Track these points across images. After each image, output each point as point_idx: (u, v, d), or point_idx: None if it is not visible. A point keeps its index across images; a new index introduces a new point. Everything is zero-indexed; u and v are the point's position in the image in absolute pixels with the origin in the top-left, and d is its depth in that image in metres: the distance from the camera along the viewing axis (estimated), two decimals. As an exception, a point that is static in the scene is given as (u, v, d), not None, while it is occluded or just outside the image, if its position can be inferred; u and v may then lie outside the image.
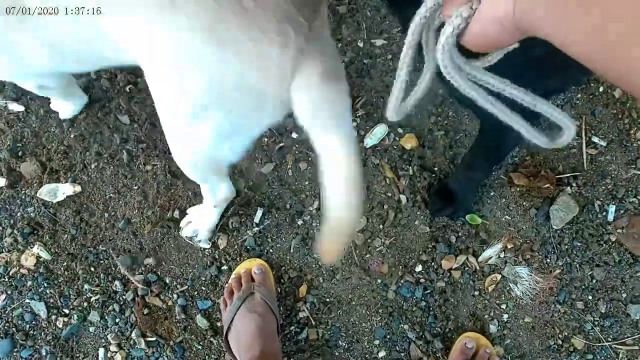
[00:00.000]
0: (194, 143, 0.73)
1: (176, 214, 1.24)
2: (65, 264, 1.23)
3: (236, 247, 1.22)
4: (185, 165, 0.82)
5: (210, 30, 0.54)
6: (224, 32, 0.54)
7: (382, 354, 1.18)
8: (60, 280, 1.22)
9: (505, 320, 1.20)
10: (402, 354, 1.18)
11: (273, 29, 0.55)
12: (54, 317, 1.20)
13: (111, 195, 1.26)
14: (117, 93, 1.31)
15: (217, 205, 1.12)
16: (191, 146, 0.75)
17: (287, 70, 0.58)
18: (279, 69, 0.58)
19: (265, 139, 1.26)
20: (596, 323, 1.20)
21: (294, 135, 1.25)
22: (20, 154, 1.29)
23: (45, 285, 1.22)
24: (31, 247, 1.24)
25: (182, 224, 1.22)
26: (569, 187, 1.23)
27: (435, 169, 1.24)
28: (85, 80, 1.31)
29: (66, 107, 1.28)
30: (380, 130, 1.24)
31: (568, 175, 1.24)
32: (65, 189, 1.28)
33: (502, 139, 0.90)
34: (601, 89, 1.27)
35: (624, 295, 1.21)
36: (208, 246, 1.21)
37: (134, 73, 1.32)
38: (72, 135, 1.30)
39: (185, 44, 0.56)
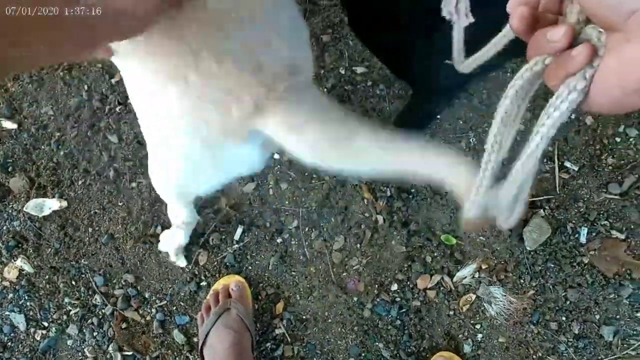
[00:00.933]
0: (164, 169, 0.76)
1: (158, 230, 1.27)
2: (47, 277, 1.25)
3: (216, 263, 1.24)
4: (154, 181, 0.85)
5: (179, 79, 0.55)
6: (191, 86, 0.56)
7: (357, 372, 1.18)
8: (41, 294, 1.24)
9: (479, 340, 1.21)
10: (377, 373, 1.19)
11: (232, 89, 0.56)
12: (32, 329, 1.21)
13: (96, 210, 1.29)
14: (107, 113, 1.36)
15: (179, 227, 1.12)
16: (162, 170, 0.77)
17: (242, 126, 0.58)
18: (233, 125, 0.58)
19: (248, 159, 1.30)
20: (570, 344, 1.21)
21: (276, 156, 1.30)
22: (10, 169, 1.32)
23: (26, 298, 1.23)
24: (15, 260, 1.26)
25: (160, 247, 1.23)
26: (542, 210, 1.26)
27: (413, 190, 1.28)
28: (77, 101, 1.37)
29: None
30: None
31: (541, 198, 1.27)
32: (51, 204, 1.31)
33: (433, 105, 1.02)
34: (573, 116, 1.32)
35: (597, 316, 1.23)
36: (183, 264, 1.23)
37: (125, 94, 1.37)
38: (61, 153, 1.34)
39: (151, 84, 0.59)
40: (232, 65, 0.54)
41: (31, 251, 1.27)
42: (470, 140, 1.30)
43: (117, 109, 1.36)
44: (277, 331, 1.21)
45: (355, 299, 1.22)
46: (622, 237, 1.26)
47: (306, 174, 1.29)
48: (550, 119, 0.34)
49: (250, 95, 0.56)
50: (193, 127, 0.60)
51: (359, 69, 1.36)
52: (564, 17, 0.34)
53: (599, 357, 1.21)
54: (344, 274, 1.23)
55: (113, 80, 1.38)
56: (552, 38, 0.33)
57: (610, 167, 1.29)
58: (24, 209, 1.29)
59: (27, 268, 1.26)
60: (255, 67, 0.56)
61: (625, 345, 1.22)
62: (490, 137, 0.40)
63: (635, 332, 1.22)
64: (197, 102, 0.56)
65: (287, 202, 1.28)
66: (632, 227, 1.26)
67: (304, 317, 1.21)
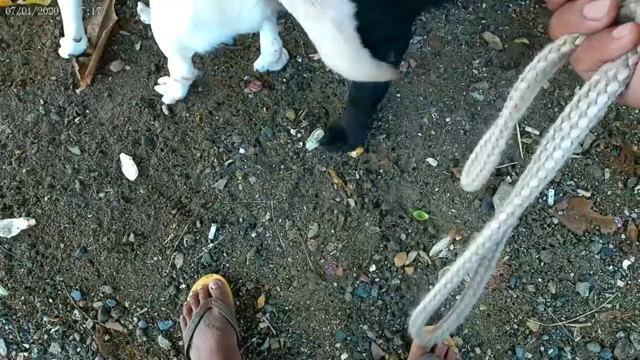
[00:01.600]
0: (172, 26, 0.90)
1: (131, 237, 1.25)
2: (22, 298, 1.23)
3: (192, 264, 1.24)
4: (161, 40, 1.00)
5: None
6: None
7: (344, 356, 1.19)
8: (18, 315, 1.22)
9: (460, 310, 1.23)
10: (364, 354, 1.20)
11: None
12: (14, 352, 1.19)
13: (66, 225, 1.27)
14: (66, 125, 1.33)
15: (177, 80, 1.22)
16: (170, 27, 0.92)
17: None
18: None
19: (214, 159, 1.29)
20: (548, 304, 1.24)
21: (242, 150, 1.29)
22: (-28, 193, 1.29)
23: (4, 321, 1.21)
24: (-13, 285, 1.24)
25: (156, 87, 1.32)
26: (508, 177, 1.29)
27: (381, 171, 1.29)
28: (34, 116, 1.34)
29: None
30: (319, 134, 1.29)
31: (506, 165, 1.29)
32: (19, 224, 1.28)
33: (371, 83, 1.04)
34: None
35: (572, 274, 1.26)
36: (169, 103, 1.31)
37: (83, 105, 1.35)
38: (24, 171, 1.31)
39: None
40: None
41: (3, 274, 1.24)
42: (432, 115, 1.31)
43: (76, 120, 1.34)
44: (261, 325, 1.21)
45: (335, 284, 1.23)
46: (588, 194, 1.29)
47: (274, 165, 1.29)
48: (583, 118, 0.28)
49: None
50: None
51: (316, 56, 1.36)
52: None
53: (578, 314, 1.24)
54: (322, 260, 1.24)
55: (69, 92, 1.36)
56: (590, 14, 0.27)
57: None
58: (-9, 231, 1.27)
59: (1, 291, 1.23)
60: None
61: (601, 299, 1.25)
62: (500, 121, 0.35)
63: (609, 286, 1.26)
64: None
65: (257, 196, 1.27)
66: (597, 184, 1.30)
67: (287, 308, 1.22)
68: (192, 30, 0.87)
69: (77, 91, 1.36)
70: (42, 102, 1.35)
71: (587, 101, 0.27)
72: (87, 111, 1.35)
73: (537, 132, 1.31)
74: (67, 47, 1.34)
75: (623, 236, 1.28)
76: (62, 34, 1.39)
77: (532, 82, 0.32)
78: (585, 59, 0.28)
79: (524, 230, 1.27)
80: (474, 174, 0.40)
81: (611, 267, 1.26)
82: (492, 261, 0.41)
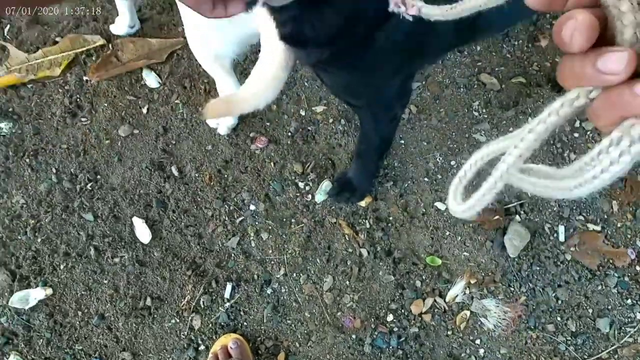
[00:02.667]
0: (193, 31, 1.08)
1: (148, 301, 1.26)
2: (42, 370, 1.23)
3: (210, 325, 1.24)
4: (196, 52, 1.14)
5: None
6: None
7: (368, 409, 1.18)
8: (39, 388, 1.22)
9: (482, 355, 1.22)
10: (388, 407, 1.19)
11: None
12: None
13: (82, 292, 1.28)
14: (79, 192, 1.36)
15: None
16: (192, 33, 1.09)
17: None
18: None
19: (225, 217, 1.31)
20: (569, 343, 1.23)
21: (252, 207, 1.31)
22: (-11, 266, 1.31)
23: (24, 395, 1.21)
24: (7, 358, 1.24)
25: (208, 121, 1.38)
26: (517, 216, 1.29)
27: (391, 218, 1.30)
28: (47, 185, 1.37)
29: None
30: (327, 185, 1.30)
31: (514, 204, 1.30)
32: (36, 294, 1.29)
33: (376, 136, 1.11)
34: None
35: (590, 310, 1.25)
36: (225, 133, 1.36)
37: (94, 171, 1.38)
38: (39, 240, 1.33)
39: None
40: None
41: (23, 345, 1.25)
42: (437, 159, 1.33)
43: (88, 187, 1.36)
44: (282, 382, 1.20)
45: (353, 336, 1.22)
46: (598, 228, 1.29)
47: (284, 220, 1.30)
48: (602, 175, 0.26)
49: None
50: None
51: (319, 108, 1.39)
52: (611, 17, 0.24)
53: (600, 350, 1.23)
54: (339, 313, 1.24)
55: (80, 158, 1.39)
56: (607, 68, 0.24)
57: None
58: (9, 304, 1.28)
59: (21, 363, 1.23)
60: None
61: (622, 334, 1.24)
62: (502, 166, 0.32)
63: (629, 319, 1.25)
64: None
65: (270, 251, 1.29)
66: (606, 217, 1.30)
67: (307, 363, 1.21)
68: (209, 31, 1.01)
69: (85, 78, 1.43)
70: (54, 170, 1.38)
71: (608, 158, 0.25)
72: (99, 177, 1.37)
73: (542, 169, 1.32)
74: (122, 28, 1.47)
75: (638, 268, 1.28)
76: (70, 103, 1.43)
77: (541, 134, 0.30)
78: (604, 115, 0.25)
79: (537, 268, 1.27)
80: (469, 202, 0.36)
81: (629, 301, 1.26)
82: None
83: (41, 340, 1.25)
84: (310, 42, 0.71)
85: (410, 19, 0.46)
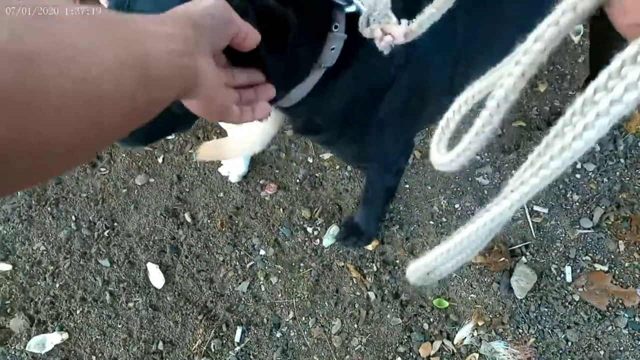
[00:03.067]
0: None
1: (160, 345, 1.29)
2: (56, 416, 1.25)
3: (221, 369, 1.26)
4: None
5: None
6: None
7: None
8: None
9: (492, 399, 1.21)
10: None
11: None
12: None
13: (97, 337, 1.32)
14: (96, 239, 1.42)
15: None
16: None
17: None
18: None
19: (236, 262, 1.35)
20: (582, 387, 1.22)
21: (262, 252, 1.35)
22: (9, 310, 1.36)
23: None
24: (23, 404, 1.27)
25: (220, 169, 1.43)
26: (523, 257, 1.31)
27: (397, 261, 1.32)
28: (67, 232, 1.43)
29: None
30: (335, 230, 1.34)
31: (520, 245, 1.32)
32: (53, 339, 1.33)
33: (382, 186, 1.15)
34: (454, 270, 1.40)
35: (602, 352, 1.24)
36: (236, 181, 1.42)
37: (111, 218, 1.44)
38: (57, 285, 1.38)
39: None
40: None
41: (38, 391, 1.27)
42: (442, 202, 1.37)
43: (106, 233, 1.42)
44: None
45: (362, 380, 1.23)
46: (605, 268, 1.30)
47: (293, 264, 1.34)
48: (631, 91, 0.20)
49: None
50: None
51: (326, 156, 1.45)
52: None
53: (614, 394, 1.21)
54: (347, 356, 1.25)
55: (98, 207, 1.45)
56: None
57: (577, 204, 1.35)
58: (27, 348, 1.31)
59: (36, 409, 1.26)
60: None
61: (636, 377, 1.22)
62: (500, 93, 0.29)
63: (642, 361, 1.23)
64: None
65: (279, 295, 1.31)
66: (612, 257, 1.31)
67: (316, 408, 1.22)
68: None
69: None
70: (73, 218, 1.45)
71: (636, 70, 0.19)
72: (116, 224, 1.43)
73: (546, 210, 1.35)
74: None
75: (648, 308, 1.27)
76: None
77: (538, 55, 0.26)
78: (635, 8, 0.21)
79: (546, 310, 1.27)
80: (454, 151, 0.33)
81: (641, 342, 1.24)
82: (500, 225, 0.34)
83: (56, 385, 1.28)
84: (321, 130, 0.77)
85: (403, 40, 0.51)
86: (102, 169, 1.50)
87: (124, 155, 1.51)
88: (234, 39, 0.42)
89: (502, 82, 0.28)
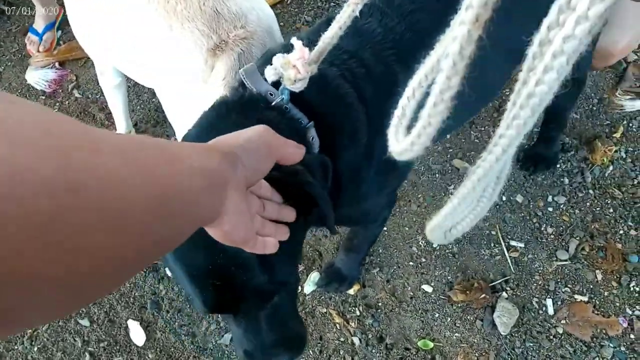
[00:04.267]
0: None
1: (142, 407, 1.25)
2: None
3: None
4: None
5: None
6: None
7: None
8: None
9: None
10: None
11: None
12: None
13: (77, 402, 1.27)
14: (76, 299, 1.40)
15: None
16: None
17: None
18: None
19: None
20: (574, 423, 1.20)
21: (244, 301, 1.34)
22: (-16, 380, 1.31)
23: None
24: None
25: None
26: (504, 292, 1.32)
27: (380, 304, 1.32)
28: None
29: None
30: (315, 276, 1.34)
31: (499, 280, 1.33)
32: (30, 407, 1.28)
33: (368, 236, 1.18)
34: (504, 198, 1.44)
35: (591, 386, 1.23)
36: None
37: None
38: (35, 349, 1.35)
39: None
40: None
41: None
42: (420, 243, 1.38)
43: (86, 293, 1.40)
44: None
45: None
46: (586, 299, 1.31)
47: (276, 312, 1.32)
48: (581, 24, 0.21)
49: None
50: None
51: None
52: None
53: None
54: (335, 406, 1.22)
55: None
56: None
57: (552, 236, 1.38)
58: (3, 419, 1.26)
59: None
60: None
61: (627, 409, 1.21)
62: (454, 47, 0.27)
63: (631, 392, 1.22)
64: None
65: (263, 346, 1.29)
66: (591, 287, 1.32)
67: None
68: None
69: None
70: (53, 278, 1.43)
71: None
72: (96, 282, 1.42)
73: (522, 245, 1.37)
74: None
75: (632, 336, 1.27)
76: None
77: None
78: None
79: (531, 345, 1.27)
80: (414, 131, 0.32)
81: (628, 372, 1.24)
82: (502, 175, 0.36)
83: None
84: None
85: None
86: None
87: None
88: (279, 160, 0.44)
89: (455, 34, 0.26)
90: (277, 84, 0.64)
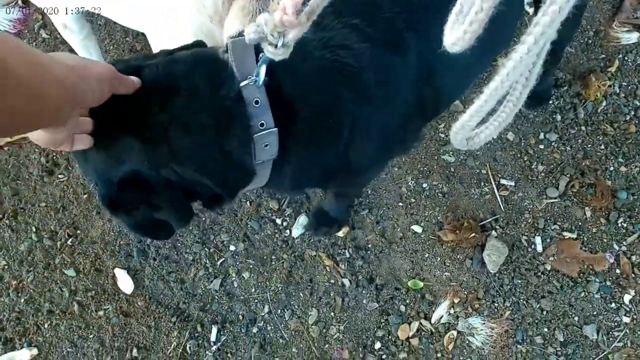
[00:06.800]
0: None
1: (135, 352, 1.25)
2: None
3: (198, 370, 1.23)
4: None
5: None
6: None
7: None
8: None
9: (473, 374, 1.21)
10: None
11: None
12: None
13: (68, 349, 1.27)
14: (59, 249, 1.36)
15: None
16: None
17: None
18: None
19: (206, 260, 1.32)
20: (559, 353, 1.23)
21: (232, 247, 1.32)
22: (-28, 332, 1.30)
23: None
24: None
25: None
26: (493, 231, 1.31)
27: (369, 245, 1.31)
28: (28, 244, 1.37)
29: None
30: (304, 220, 1.32)
31: (489, 219, 1.32)
32: (22, 356, 1.28)
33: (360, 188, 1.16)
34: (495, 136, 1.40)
35: (576, 318, 1.26)
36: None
37: (73, 226, 1.39)
38: (22, 300, 1.33)
39: None
40: None
41: (9, 411, 1.23)
42: (409, 183, 1.36)
43: (69, 242, 1.37)
44: (275, 423, 1.18)
45: (343, 368, 1.22)
46: (574, 236, 1.31)
47: (265, 257, 1.31)
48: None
49: None
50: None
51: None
52: None
53: (591, 358, 1.23)
54: (326, 345, 1.24)
55: (59, 215, 1.40)
56: None
57: (542, 174, 1.36)
58: (-6, 368, 1.26)
59: None
60: None
61: (611, 339, 1.24)
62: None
63: (615, 324, 1.25)
64: None
65: (253, 290, 1.29)
66: (580, 224, 1.32)
67: (298, 400, 1.20)
68: None
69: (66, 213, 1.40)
70: (34, 229, 1.39)
71: None
72: (78, 231, 1.38)
73: (512, 183, 1.35)
74: None
75: (618, 271, 1.29)
76: (47, 161, 1.45)
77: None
78: None
79: (519, 282, 1.28)
80: (466, 22, 0.36)
81: (613, 305, 1.26)
82: (531, 76, 0.39)
83: (28, 403, 1.23)
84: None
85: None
86: (60, 176, 1.44)
87: (82, 160, 1.46)
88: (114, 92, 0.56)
89: None
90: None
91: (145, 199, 0.60)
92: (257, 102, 0.60)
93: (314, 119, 0.66)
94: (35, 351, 1.28)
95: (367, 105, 0.70)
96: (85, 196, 1.41)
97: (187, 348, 1.24)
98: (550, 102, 1.42)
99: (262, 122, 0.61)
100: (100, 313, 1.30)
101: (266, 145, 0.62)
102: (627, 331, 1.25)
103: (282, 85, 0.62)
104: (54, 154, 1.47)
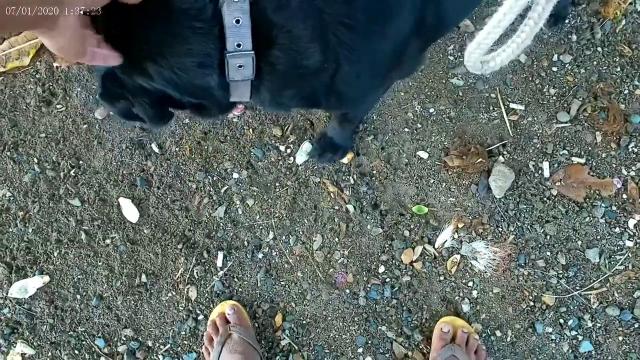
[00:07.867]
0: None
1: (143, 278, 1.28)
2: (50, 354, 1.26)
3: (206, 294, 1.26)
4: None
5: None
6: None
7: (368, 359, 1.21)
8: (48, 371, 1.25)
9: (475, 296, 1.24)
10: (387, 355, 1.21)
11: None
12: (49, 408, 1.23)
13: (79, 276, 1.30)
14: (63, 180, 1.36)
15: None
16: None
17: None
18: None
19: (210, 188, 1.31)
20: (561, 276, 1.25)
21: (235, 175, 1.31)
22: (-16, 260, 1.33)
23: (35, 379, 1.25)
24: (14, 347, 1.27)
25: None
26: (500, 157, 1.29)
27: (374, 172, 1.30)
28: (31, 175, 1.37)
29: None
30: (307, 146, 1.30)
31: (497, 145, 1.30)
32: (34, 283, 1.31)
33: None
34: (513, 59, 1.34)
35: (579, 242, 1.26)
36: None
37: (75, 157, 1.37)
38: (30, 230, 1.34)
39: None
40: None
41: (27, 333, 1.28)
42: (416, 108, 1.32)
43: (72, 173, 1.36)
44: (282, 343, 1.23)
45: (347, 291, 1.24)
46: (583, 161, 1.29)
47: (268, 184, 1.30)
48: None
49: None
50: None
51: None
52: None
53: (591, 280, 1.25)
54: (331, 270, 1.26)
55: (60, 145, 1.38)
56: None
57: (554, 98, 1.31)
58: (9, 295, 1.30)
59: (28, 350, 1.27)
60: None
61: (612, 263, 1.25)
62: None
63: (618, 248, 1.26)
64: None
65: (257, 217, 1.29)
66: (590, 149, 1.30)
67: (304, 322, 1.24)
68: None
69: (55, 65, 1.38)
70: (36, 160, 1.38)
71: None
72: (81, 162, 1.37)
73: (522, 107, 1.31)
74: None
75: (624, 196, 1.28)
76: (43, 91, 1.42)
77: None
78: None
79: (524, 207, 1.27)
80: None
81: (617, 229, 1.26)
82: None
83: (45, 326, 1.28)
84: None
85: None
86: (58, 106, 1.41)
87: (79, 89, 1.42)
88: None
89: None
90: None
91: (122, 96, 0.63)
92: (237, 22, 0.56)
93: (291, 45, 0.62)
94: (47, 278, 1.31)
95: (356, 31, 0.64)
96: (85, 126, 1.39)
97: (195, 273, 1.27)
98: (567, 21, 1.34)
99: (239, 43, 0.57)
100: (108, 241, 1.31)
101: (240, 66, 0.59)
102: (630, 255, 1.26)
103: (265, 10, 0.57)
104: (50, 83, 1.44)
